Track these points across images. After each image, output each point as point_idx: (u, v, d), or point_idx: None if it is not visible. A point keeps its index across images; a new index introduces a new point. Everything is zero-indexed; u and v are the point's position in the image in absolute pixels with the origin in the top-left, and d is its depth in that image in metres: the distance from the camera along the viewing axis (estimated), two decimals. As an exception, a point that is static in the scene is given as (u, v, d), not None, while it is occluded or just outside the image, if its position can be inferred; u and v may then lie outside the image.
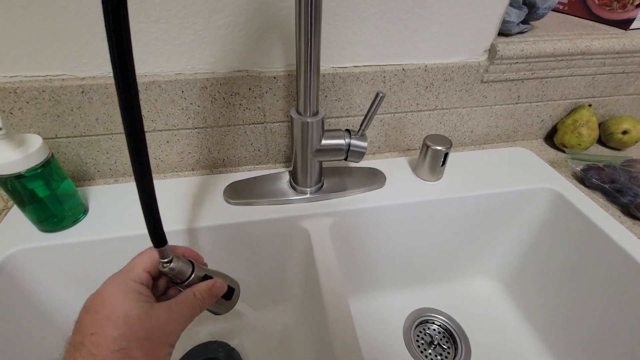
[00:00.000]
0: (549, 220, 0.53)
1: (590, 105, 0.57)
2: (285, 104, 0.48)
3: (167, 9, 0.38)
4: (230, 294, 0.33)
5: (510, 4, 0.49)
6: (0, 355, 0.38)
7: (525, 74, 0.52)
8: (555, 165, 0.56)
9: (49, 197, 0.39)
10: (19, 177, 0.36)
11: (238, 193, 0.47)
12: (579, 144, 0.57)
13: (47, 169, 0.38)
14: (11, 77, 0.40)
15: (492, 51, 0.49)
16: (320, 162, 0.45)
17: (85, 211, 0.44)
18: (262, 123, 0.49)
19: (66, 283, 0.43)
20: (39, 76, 0.40)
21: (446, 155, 0.47)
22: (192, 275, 0.29)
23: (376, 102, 0.40)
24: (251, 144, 0.51)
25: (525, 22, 0.53)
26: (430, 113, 0.54)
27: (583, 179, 0.53)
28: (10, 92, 0.40)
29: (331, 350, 0.33)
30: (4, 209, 0.45)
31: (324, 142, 0.43)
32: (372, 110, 0.40)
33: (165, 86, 0.43)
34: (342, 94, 0.48)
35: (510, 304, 0.59)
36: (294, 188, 0.47)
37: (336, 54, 0.46)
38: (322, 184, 0.48)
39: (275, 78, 0.45)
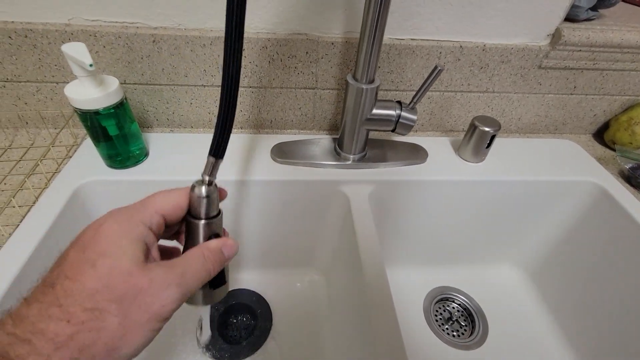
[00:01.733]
0: (588, 214, 0.52)
1: (650, 104, 0.55)
2: (338, 72, 0.49)
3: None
4: (219, 282, 0.26)
5: (583, -12, 0.47)
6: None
7: (586, 63, 0.50)
8: (602, 162, 0.55)
9: (117, 136, 0.43)
10: (95, 113, 0.40)
11: (284, 153, 0.49)
12: (631, 143, 0.55)
13: (121, 110, 0.41)
14: (93, 20, 0.43)
15: (556, 35, 0.48)
16: (368, 131, 0.47)
17: (146, 154, 0.48)
18: (313, 88, 0.50)
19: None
20: (116, 22, 0.43)
21: (493, 137, 0.47)
22: (220, 214, 0.25)
23: (433, 75, 0.40)
24: (299, 108, 0.53)
25: (594, 9, 0.51)
26: (480, 95, 0.53)
27: (630, 178, 0.52)
28: (90, 35, 0.43)
29: (368, 317, 0.35)
30: (74, 145, 0.49)
31: (375, 111, 0.44)
32: (427, 83, 0.41)
33: (212, 44, 0.44)
34: (395, 67, 0.49)
35: (535, 293, 0.60)
36: (338, 154, 0.49)
37: (396, 25, 0.46)
38: (366, 153, 0.49)
39: (332, 44, 0.46)
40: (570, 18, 0.49)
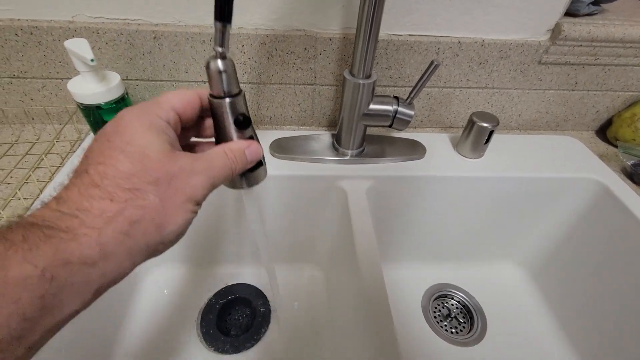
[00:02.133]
0: (589, 212, 0.52)
1: (654, 100, 0.54)
2: (336, 68, 0.49)
3: (239, -38, 0.40)
4: (255, 166, 0.26)
5: (584, -18, 0.46)
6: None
7: (587, 58, 0.50)
8: (604, 159, 0.54)
9: (119, 130, 0.44)
10: (98, 107, 0.40)
11: (283, 148, 0.49)
12: (634, 139, 0.55)
13: (122, 105, 0.42)
14: (95, 17, 0.44)
15: (556, 30, 0.48)
16: (365, 126, 0.47)
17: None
18: (312, 85, 0.51)
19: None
20: (118, 19, 0.44)
21: (491, 133, 0.47)
22: (242, 93, 0.25)
23: (430, 70, 0.40)
24: (298, 104, 0.53)
25: (596, 3, 0.51)
26: (480, 91, 0.53)
27: (632, 175, 0.51)
28: (93, 32, 0.44)
29: (363, 312, 0.35)
30: (77, 140, 0.50)
31: (372, 106, 0.44)
32: (424, 79, 0.41)
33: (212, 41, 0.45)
34: (393, 62, 0.49)
35: (535, 291, 0.60)
36: (336, 149, 0.50)
37: (394, 21, 0.46)
38: (364, 149, 0.50)
39: (330, 40, 0.46)
40: (571, 13, 0.49)
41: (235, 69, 0.24)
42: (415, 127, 0.58)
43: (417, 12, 0.45)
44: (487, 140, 0.48)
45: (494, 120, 0.47)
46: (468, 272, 0.62)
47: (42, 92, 0.49)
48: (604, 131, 0.59)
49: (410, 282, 0.60)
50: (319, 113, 0.54)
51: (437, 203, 0.52)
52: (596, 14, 0.51)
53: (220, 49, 0.23)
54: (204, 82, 0.50)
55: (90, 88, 0.39)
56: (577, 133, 0.60)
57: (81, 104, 0.40)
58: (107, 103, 0.41)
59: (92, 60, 0.35)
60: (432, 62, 0.40)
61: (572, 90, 0.54)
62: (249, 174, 0.27)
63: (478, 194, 0.51)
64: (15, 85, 0.48)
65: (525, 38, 0.48)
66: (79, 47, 0.36)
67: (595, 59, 0.50)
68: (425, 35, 0.47)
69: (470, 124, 0.48)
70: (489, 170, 0.50)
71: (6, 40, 0.44)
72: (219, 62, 0.23)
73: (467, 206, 0.53)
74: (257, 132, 0.53)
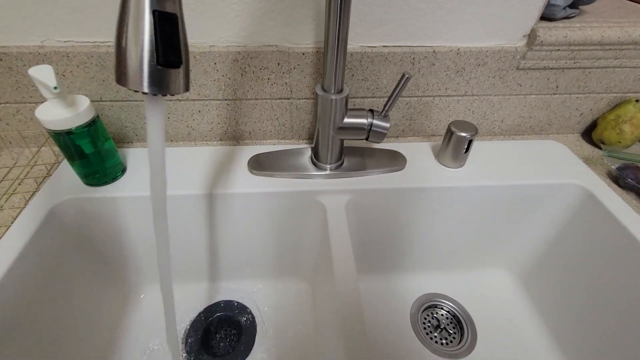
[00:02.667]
0: (575, 218, 0.51)
1: (638, 101, 0.53)
2: (312, 81, 0.49)
3: (205, -19, 0.40)
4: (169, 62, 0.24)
5: (558, -14, 0.46)
6: (51, 289, 0.43)
7: (566, 62, 0.49)
8: (590, 163, 0.53)
9: (93, 154, 0.43)
10: (69, 133, 0.40)
11: (261, 165, 0.49)
12: (619, 142, 0.54)
13: (94, 128, 0.42)
14: (64, 41, 0.43)
15: (531, 36, 0.47)
16: (342, 140, 0.46)
17: (123, 170, 0.48)
18: (289, 99, 0.50)
19: (105, 232, 0.48)
20: (87, 42, 0.44)
21: (470, 142, 0.47)
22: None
23: (401, 83, 0.40)
24: (277, 119, 0.53)
25: (573, 5, 0.50)
26: (459, 99, 0.52)
27: (617, 178, 0.50)
28: (63, 56, 0.43)
29: (338, 327, 0.35)
30: (55, 163, 0.50)
31: (346, 120, 0.43)
32: (396, 92, 0.40)
33: (199, 57, 0.45)
34: (369, 74, 0.48)
35: (524, 298, 0.59)
36: (314, 164, 0.49)
37: (366, 33, 0.45)
38: (343, 162, 0.49)
39: (304, 54, 0.46)
40: (547, 17, 0.48)
41: None
42: (397, 137, 0.57)
43: (389, 23, 0.45)
44: (467, 149, 0.48)
45: (473, 129, 0.46)
46: (457, 281, 0.61)
47: (17, 117, 0.49)
48: (590, 133, 0.58)
49: (398, 293, 0.60)
50: (298, 126, 0.54)
51: (421, 213, 0.51)
52: (574, 16, 0.50)
53: None
54: (180, 101, 0.49)
55: (58, 114, 0.38)
56: (562, 136, 0.59)
57: (51, 130, 0.39)
58: (77, 127, 0.40)
59: (55, 87, 0.35)
60: (403, 75, 0.39)
61: (554, 94, 0.53)
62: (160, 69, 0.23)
63: (461, 203, 0.50)
64: (-11, 111, 0.48)
65: (501, 45, 0.48)
66: (43, 75, 0.35)
67: (575, 62, 0.50)
68: (399, 46, 0.47)
69: (449, 133, 0.47)
70: (470, 179, 0.49)
71: (-24, 67, 0.44)
72: None
73: (451, 215, 0.52)
74: (237, 147, 0.53)
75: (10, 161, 0.51)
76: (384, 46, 0.47)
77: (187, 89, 0.26)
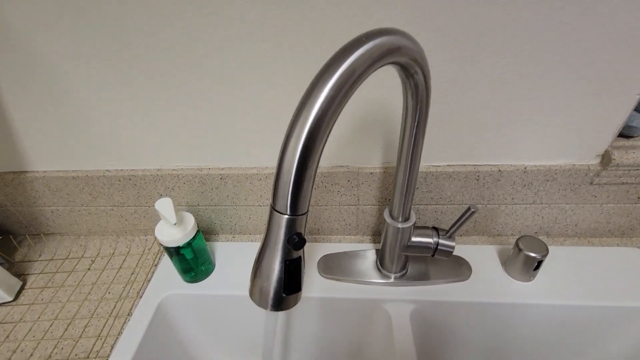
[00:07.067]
0: (667, 343, 0.46)
1: None
2: (378, 193, 0.53)
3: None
4: (293, 288, 0.30)
5: (636, 108, 0.45)
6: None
7: (649, 177, 0.47)
8: (684, 278, 0.49)
9: (192, 258, 0.52)
10: (177, 247, 0.49)
11: (330, 268, 0.53)
12: None
13: (195, 240, 0.50)
14: (176, 166, 0.54)
15: (605, 157, 0.46)
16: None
17: (213, 268, 0.56)
18: (356, 205, 0.55)
19: (202, 325, 0.56)
20: (192, 167, 0.54)
21: (540, 262, 0.46)
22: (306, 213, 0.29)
23: (466, 215, 0.42)
24: (343, 220, 0.57)
25: (654, 118, 0.48)
26: (527, 207, 0.52)
27: None
28: (174, 177, 0.54)
29: None
30: (154, 264, 0.60)
31: (413, 239, 0.46)
32: (461, 221, 0.43)
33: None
34: (433, 187, 0.51)
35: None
36: (379, 270, 0.52)
37: (431, 155, 0.49)
38: (407, 270, 0.51)
39: (372, 174, 0.50)
40: (624, 134, 0.47)
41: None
42: (462, 236, 0.58)
43: (454, 147, 0.48)
44: (537, 267, 0.47)
45: (543, 250, 0.46)
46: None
47: (134, 215, 0.61)
48: (683, 239, 0.54)
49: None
50: (364, 226, 0.58)
51: (485, 328, 0.51)
52: (655, 128, 0.48)
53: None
54: (260, 206, 0.57)
55: (171, 234, 0.47)
56: (649, 241, 0.55)
57: (164, 246, 0.49)
58: (184, 243, 0.49)
59: (174, 223, 0.43)
60: (468, 208, 0.41)
61: (635, 204, 0.51)
62: (284, 296, 0.29)
63: (529, 322, 0.49)
64: (115, 211, 0.60)
65: (572, 163, 0.47)
66: (164, 208, 0.45)
67: (659, 176, 0.47)
68: (464, 165, 0.49)
69: (517, 249, 0.48)
70: (541, 297, 0.48)
71: (112, 184, 0.55)
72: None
73: (517, 333, 0.51)
74: (308, 244, 0.59)
75: (125, 248, 0.62)
76: (448, 165, 0.49)
77: (297, 302, 0.32)
